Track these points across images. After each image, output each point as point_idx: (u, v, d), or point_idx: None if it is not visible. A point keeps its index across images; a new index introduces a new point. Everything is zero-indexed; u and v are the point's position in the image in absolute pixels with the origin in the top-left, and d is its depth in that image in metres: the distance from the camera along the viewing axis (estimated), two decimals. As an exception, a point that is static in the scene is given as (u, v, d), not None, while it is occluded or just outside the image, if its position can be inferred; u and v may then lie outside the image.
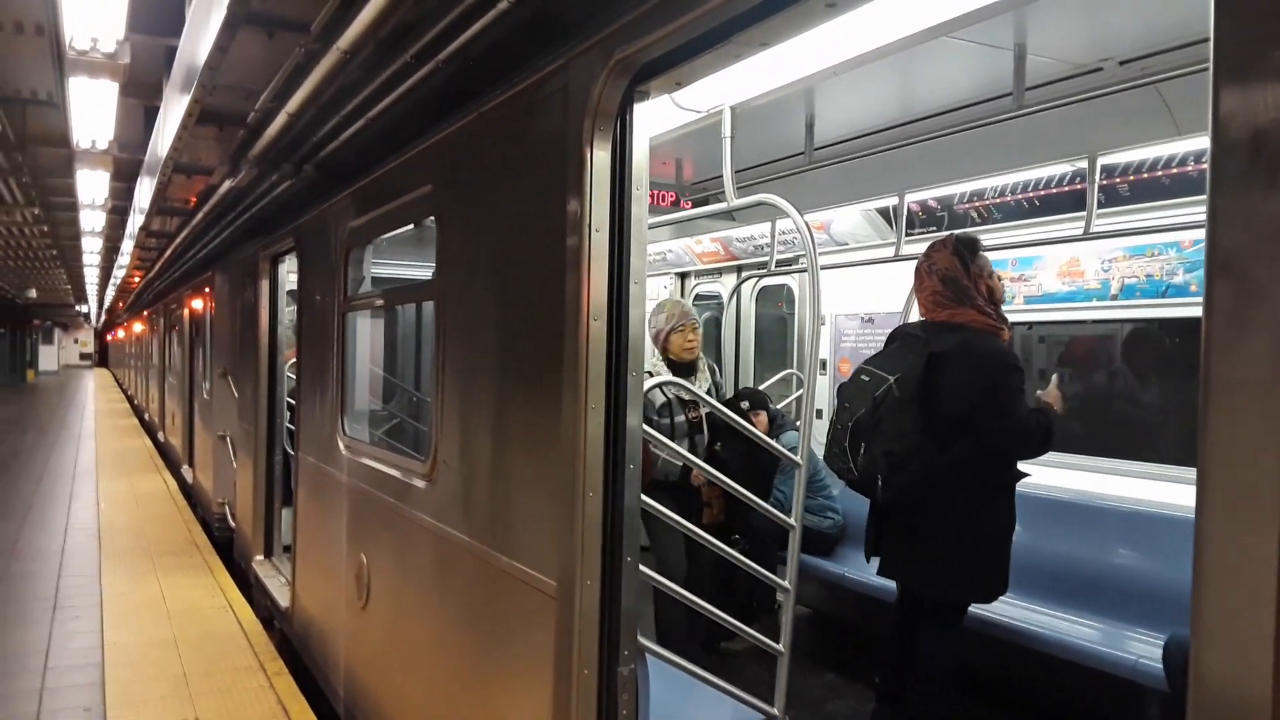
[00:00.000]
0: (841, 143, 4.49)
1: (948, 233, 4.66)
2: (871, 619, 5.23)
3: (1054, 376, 4.30)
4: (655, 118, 2.77)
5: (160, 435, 16.75)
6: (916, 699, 4.37)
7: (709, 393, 5.25)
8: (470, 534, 3.26)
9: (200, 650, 5.61)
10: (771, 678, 3.46)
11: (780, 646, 3.29)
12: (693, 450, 5.07)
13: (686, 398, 5.11)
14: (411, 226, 4.33)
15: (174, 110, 4.84)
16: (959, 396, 3.85)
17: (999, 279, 4.13)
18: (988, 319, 3.98)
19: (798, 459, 3.38)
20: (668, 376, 4.91)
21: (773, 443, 3.81)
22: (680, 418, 5.15)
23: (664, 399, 5.12)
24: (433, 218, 3.85)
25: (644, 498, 2.93)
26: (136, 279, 18.21)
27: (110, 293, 25.20)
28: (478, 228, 3.36)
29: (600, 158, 2.61)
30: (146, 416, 20.97)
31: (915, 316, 4.57)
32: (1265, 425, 1.18)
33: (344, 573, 4.80)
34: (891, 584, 4.58)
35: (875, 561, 4.43)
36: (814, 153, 4.30)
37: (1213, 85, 1.23)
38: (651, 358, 5.25)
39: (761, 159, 4.76)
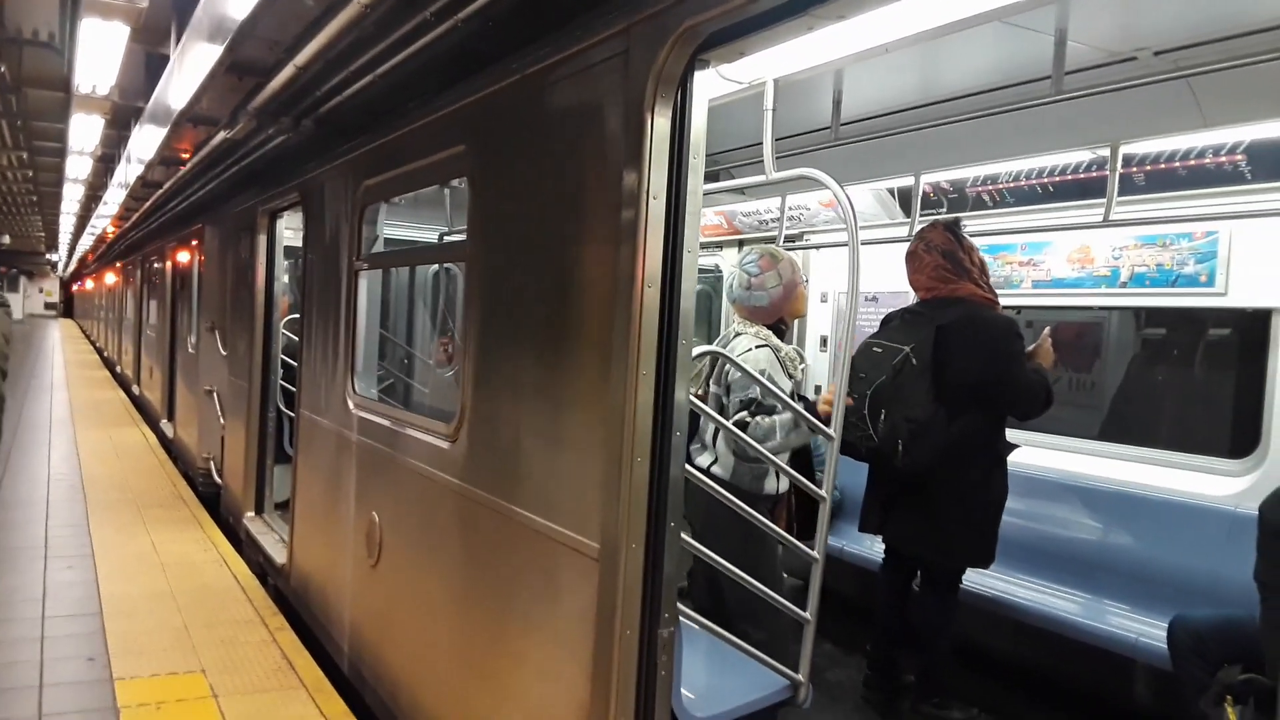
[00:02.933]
0: (865, 120, 4.51)
1: (950, 215, 4.83)
2: (867, 591, 5.33)
3: (1045, 330, 4.49)
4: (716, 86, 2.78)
5: (135, 389, 16.56)
6: (922, 669, 4.50)
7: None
8: (502, 495, 3.28)
9: (198, 603, 5.61)
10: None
11: (808, 615, 3.36)
12: None
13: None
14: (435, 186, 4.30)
15: (193, 58, 4.77)
16: (967, 366, 4.10)
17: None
18: (983, 292, 4.29)
19: (830, 431, 3.43)
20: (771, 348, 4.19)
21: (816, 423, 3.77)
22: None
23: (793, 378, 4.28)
24: (463, 178, 3.85)
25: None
26: (114, 229, 17.94)
27: (87, 241, 24.78)
28: (519, 189, 3.36)
29: (661, 125, 2.62)
30: (119, 369, 20.70)
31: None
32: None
33: (352, 531, 4.81)
34: (885, 556, 4.75)
35: (868, 534, 4.68)
36: (840, 129, 4.33)
37: None
38: (737, 324, 4.41)
39: (782, 134, 4.77)
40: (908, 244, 4.57)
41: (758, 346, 4.17)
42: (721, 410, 4.18)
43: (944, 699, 4.45)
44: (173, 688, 4.39)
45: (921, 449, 4.09)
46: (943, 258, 4.29)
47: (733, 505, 3.25)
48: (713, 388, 4.31)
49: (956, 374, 4.11)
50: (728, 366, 4.14)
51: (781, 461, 3.68)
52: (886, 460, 4.25)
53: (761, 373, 3.89)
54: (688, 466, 2.80)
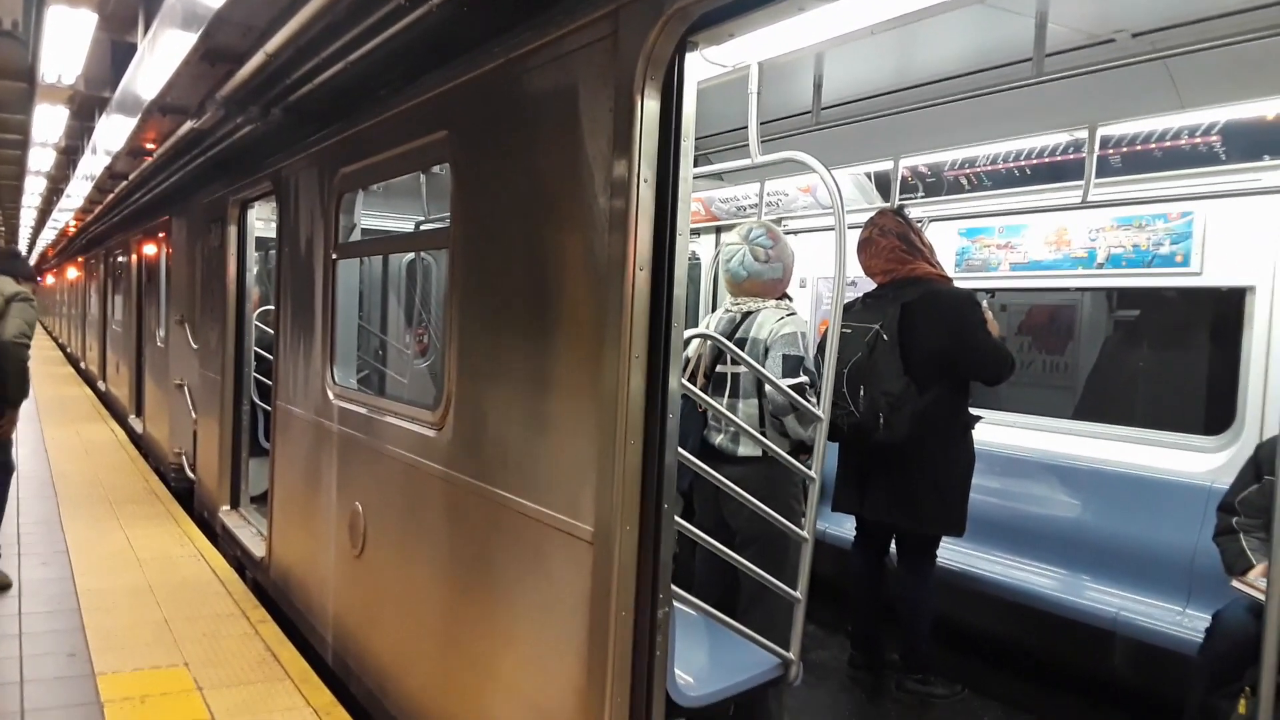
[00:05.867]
0: (845, 104, 4.52)
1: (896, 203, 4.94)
2: (846, 572, 5.37)
3: (983, 301, 4.65)
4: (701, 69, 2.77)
5: (101, 384, 16.34)
6: (904, 645, 4.56)
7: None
8: (492, 481, 3.27)
9: (178, 597, 5.55)
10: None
11: (798, 594, 3.38)
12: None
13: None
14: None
15: (165, 46, 4.70)
16: (935, 339, 4.27)
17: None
18: (937, 269, 4.51)
19: (819, 413, 3.44)
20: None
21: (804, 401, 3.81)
22: None
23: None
24: (445, 164, 3.82)
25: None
26: (76, 223, 17.63)
27: (49, 235, 24.30)
28: (504, 175, 3.34)
29: (650, 108, 2.61)
30: (83, 365, 20.42)
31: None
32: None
33: (334, 522, 4.78)
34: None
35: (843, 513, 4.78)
36: (821, 113, 4.34)
37: None
38: (746, 303, 4.26)
39: (764, 118, 4.77)
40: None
41: (788, 315, 4.11)
42: (737, 383, 4.12)
43: (928, 675, 4.51)
44: (156, 681, 4.35)
45: (900, 420, 4.23)
46: (898, 240, 4.46)
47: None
48: (736, 369, 4.12)
49: (925, 348, 4.26)
50: (759, 336, 4.05)
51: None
52: (863, 436, 4.35)
53: (803, 336, 3.97)
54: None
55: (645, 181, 2.62)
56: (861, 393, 4.34)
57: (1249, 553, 3.66)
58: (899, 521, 4.50)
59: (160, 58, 4.93)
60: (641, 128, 2.60)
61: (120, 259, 14.42)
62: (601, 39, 2.77)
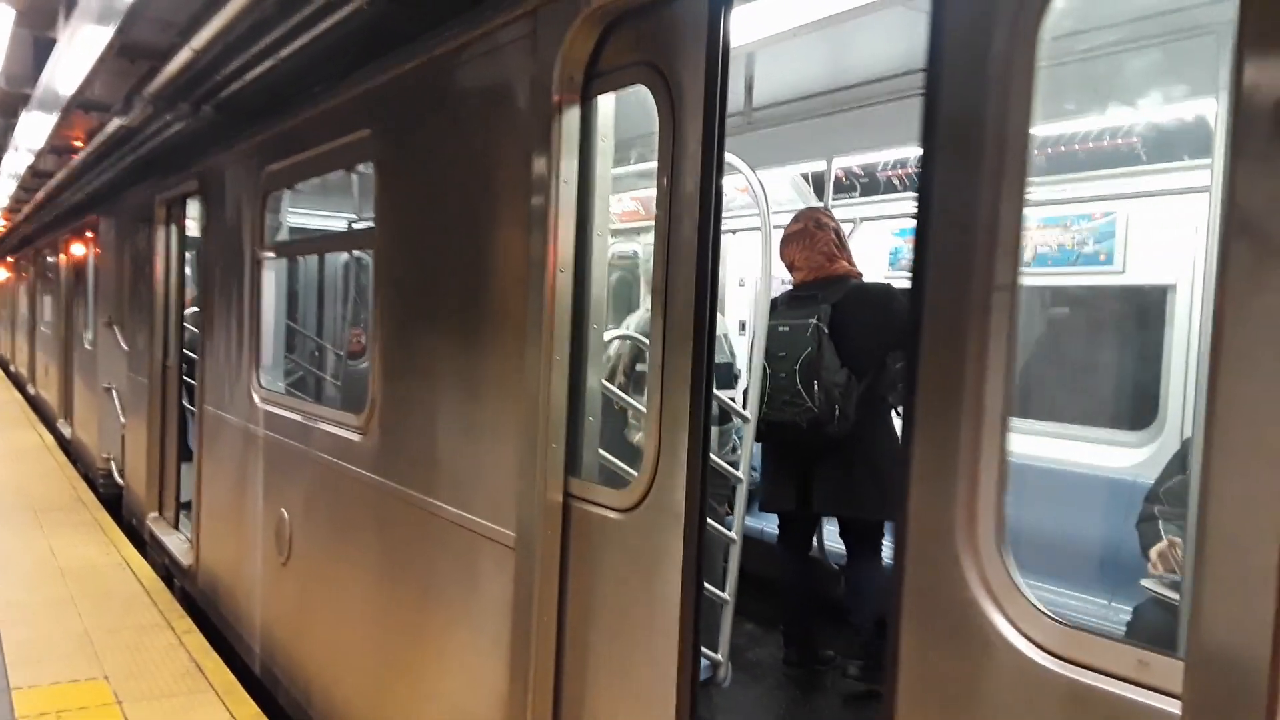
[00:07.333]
0: (778, 105, 4.53)
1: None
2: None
3: None
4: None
5: (30, 388, 15.91)
6: (863, 639, 4.54)
7: None
8: (416, 487, 3.22)
9: (101, 608, 5.40)
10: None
11: (725, 595, 3.36)
12: None
13: None
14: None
15: (82, 41, 4.55)
16: (870, 332, 4.26)
17: None
18: (855, 268, 4.53)
19: (746, 413, 3.43)
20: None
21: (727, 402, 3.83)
22: None
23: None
24: (369, 163, 3.75)
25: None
26: (5, 222, 17.12)
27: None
28: (426, 174, 3.28)
29: (570, 107, 2.58)
30: (12, 369, 19.88)
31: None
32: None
33: (260, 529, 4.68)
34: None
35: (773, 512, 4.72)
36: (753, 114, 4.33)
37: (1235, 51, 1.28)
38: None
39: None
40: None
41: None
42: None
43: (868, 667, 4.50)
44: (74, 696, 4.22)
45: (851, 410, 4.25)
46: (835, 235, 4.46)
47: None
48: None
49: (860, 342, 4.26)
50: None
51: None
52: (815, 430, 4.31)
53: (725, 337, 4.02)
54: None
55: (565, 182, 2.59)
56: (815, 387, 4.35)
57: (1163, 533, 3.71)
58: (843, 512, 4.50)
59: (77, 53, 4.78)
60: (561, 129, 2.57)
61: (49, 259, 14.06)
62: (520, 38, 2.73)
